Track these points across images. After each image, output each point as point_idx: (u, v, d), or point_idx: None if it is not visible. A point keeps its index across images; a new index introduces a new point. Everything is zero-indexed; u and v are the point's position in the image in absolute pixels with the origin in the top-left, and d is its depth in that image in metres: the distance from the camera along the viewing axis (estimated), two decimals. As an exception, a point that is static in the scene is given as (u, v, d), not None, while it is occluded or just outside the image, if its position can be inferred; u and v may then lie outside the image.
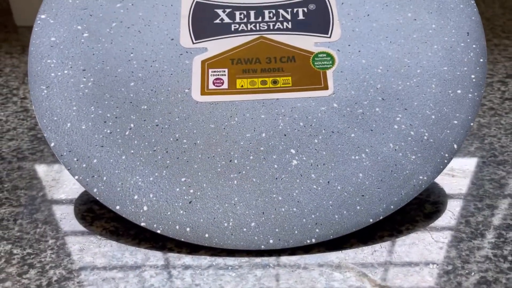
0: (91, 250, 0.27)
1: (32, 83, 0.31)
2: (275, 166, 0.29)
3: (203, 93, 0.32)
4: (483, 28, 0.46)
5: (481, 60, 0.31)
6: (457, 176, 0.32)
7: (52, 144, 0.29)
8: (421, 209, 0.30)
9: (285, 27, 0.34)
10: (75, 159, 0.29)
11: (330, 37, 0.33)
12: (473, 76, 0.31)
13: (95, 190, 0.28)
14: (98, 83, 0.31)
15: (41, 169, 0.33)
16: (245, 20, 0.34)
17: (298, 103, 0.31)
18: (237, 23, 0.34)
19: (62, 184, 0.32)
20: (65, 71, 0.32)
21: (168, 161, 0.29)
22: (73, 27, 0.33)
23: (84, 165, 0.29)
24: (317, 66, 0.32)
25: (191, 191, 0.28)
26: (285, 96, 0.31)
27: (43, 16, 0.33)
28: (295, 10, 0.35)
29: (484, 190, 0.31)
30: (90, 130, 0.30)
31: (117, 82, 0.31)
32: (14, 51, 0.48)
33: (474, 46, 0.32)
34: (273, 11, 0.35)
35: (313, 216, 0.28)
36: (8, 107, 0.40)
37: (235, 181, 0.28)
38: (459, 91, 0.30)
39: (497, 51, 0.46)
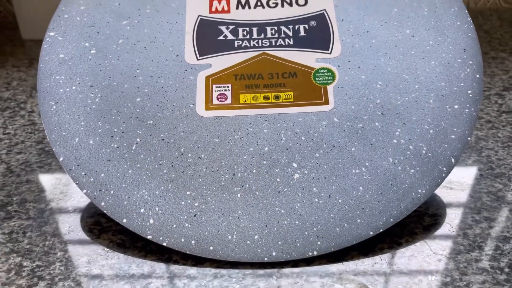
0: (98, 262, 0.28)
1: (41, 99, 0.32)
2: (278, 179, 0.30)
3: (207, 108, 0.32)
4: (481, 41, 0.47)
5: (478, 76, 0.32)
6: (455, 189, 0.33)
7: (61, 159, 0.30)
8: (420, 221, 0.30)
9: (286, 43, 0.35)
10: (83, 173, 0.30)
11: (330, 53, 0.34)
12: (469, 91, 0.32)
13: (102, 203, 0.29)
14: (105, 98, 0.32)
15: (49, 182, 0.34)
16: (248, 36, 0.35)
17: (299, 118, 0.32)
18: (240, 39, 0.35)
19: (69, 197, 0.33)
20: (73, 87, 0.32)
21: (173, 175, 0.30)
22: (81, 44, 0.34)
23: (92, 179, 0.29)
24: (318, 82, 0.33)
25: (196, 204, 0.29)
26: (287, 111, 0.32)
27: (52, 34, 0.34)
28: (296, 27, 0.36)
29: (482, 202, 0.31)
30: (98, 144, 0.31)
31: (123, 98, 0.32)
32: (21, 65, 0.49)
33: (470, 62, 0.33)
34: (275, 27, 0.36)
35: (314, 229, 0.28)
36: (16, 120, 0.41)
37: (239, 195, 0.29)
38: (456, 106, 0.31)
39: (494, 64, 0.47)
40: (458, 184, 0.33)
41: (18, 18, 0.54)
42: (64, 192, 0.33)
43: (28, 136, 0.38)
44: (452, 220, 0.30)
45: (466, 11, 0.35)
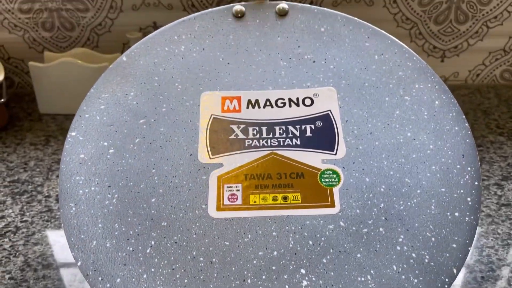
0: None
1: (62, 201, 0.33)
2: (286, 286, 0.31)
3: (218, 209, 0.34)
4: (479, 122, 0.49)
5: (476, 183, 0.34)
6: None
7: (79, 264, 0.31)
8: (425, 326, 0.31)
9: (294, 143, 0.37)
10: (100, 279, 0.31)
11: (336, 154, 0.36)
12: (469, 199, 0.33)
13: (117, 308, 0.30)
14: (122, 199, 0.34)
15: (66, 278, 0.35)
16: (257, 136, 0.37)
17: (307, 221, 0.33)
18: (250, 138, 0.37)
19: (83, 293, 0.34)
20: (92, 188, 0.34)
21: (186, 280, 0.31)
22: (100, 143, 0.36)
23: (108, 285, 0.31)
24: (324, 183, 0.35)
25: (207, 310, 0.30)
26: (295, 213, 0.34)
27: (73, 134, 0.36)
28: (303, 127, 0.38)
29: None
30: (114, 248, 0.32)
31: (139, 198, 0.34)
32: (38, 142, 0.52)
33: (469, 168, 0.34)
34: (283, 127, 0.38)
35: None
36: (33, 206, 0.42)
37: (249, 300, 0.30)
38: (456, 214, 0.33)
39: (492, 149, 0.49)
40: None
41: (36, 92, 0.57)
42: None
43: (45, 225, 0.40)
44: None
45: (464, 116, 0.37)
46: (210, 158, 0.36)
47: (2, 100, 0.52)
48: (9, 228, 0.39)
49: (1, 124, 0.54)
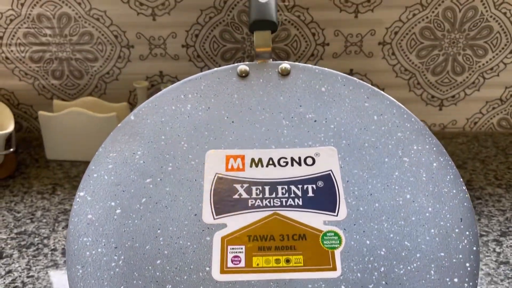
0: None
1: (69, 263, 0.34)
2: None
3: (222, 271, 0.35)
4: (477, 173, 0.50)
5: (474, 248, 0.34)
6: None
7: (85, 329, 0.32)
8: None
9: (296, 203, 0.38)
10: None
11: (337, 215, 0.37)
12: (467, 264, 0.34)
13: None
14: (128, 261, 0.35)
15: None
16: (260, 195, 0.38)
17: (309, 284, 0.34)
18: (254, 198, 0.38)
19: None
20: (99, 249, 0.35)
21: None
22: (107, 203, 0.37)
23: None
24: (326, 246, 0.36)
25: None
26: (297, 276, 0.34)
27: (82, 194, 0.38)
28: (305, 187, 0.39)
29: None
30: (120, 312, 0.32)
31: (145, 260, 0.35)
32: (45, 191, 0.53)
33: (467, 233, 0.35)
34: (286, 187, 0.39)
35: None
36: (40, 260, 0.43)
37: None
38: (456, 280, 0.33)
39: (491, 202, 0.50)
40: None
41: (44, 140, 0.58)
42: None
43: (51, 281, 0.41)
44: None
45: (461, 179, 0.38)
46: (214, 219, 0.37)
47: (12, 149, 0.53)
48: (16, 284, 0.40)
49: (10, 173, 0.55)
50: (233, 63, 0.61)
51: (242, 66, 0.44)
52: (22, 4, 0.58)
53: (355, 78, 0.43)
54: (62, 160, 0.59)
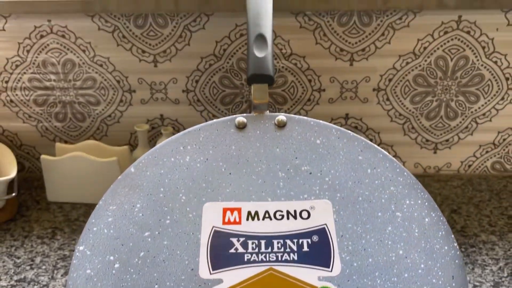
0: None
1: (67, 320, 0.35)
2: None
3: (218, 329, 0.35)
4: (472, 219, 0.50)
5: (466, 307, 0.35)
6: None
7: None
8: None
9: (291, 258, 0.38)
10: None
11: (331, 271, 0.38)
12: (459, 324, 0.34)
13: None
14: (125, 317, 0.35)
15: None
16: (256, 250, 0.39)
17: None
18: (250, 253, 0.39)
19: None
20: (97, 305, 0.36)
21: None
22: (106, 258, 0.38)
23: None
24: (320, 302, 0.36)
25: None
26: (292, 334, 0.35)
27: (81, 248, 0.38)
28: (300, 241, 0.39)
29: None
30: None
31: (142, 317, 0.35)
32: (45, 235, 0.53)
33: (459, 291, 0.36)
34: (281, 241, 0.39)
35: None
36: (38, 310, 0.43)
37: None
38: None
39: (485, 250, 0.50)
40: None
41: (45, 182, 0.59)
42: None
43: (48, 333, 0.41)
44: None
45: (453, 235, 0.39)
46: (211, 274, 0.38)
47: (14, 194, 0.54)
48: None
49: (11, 216, 0.56)
50: (232, 107, 0.63)
51: (240, 118, 0.46)
52: (28, 51, 0.60)
53: (349, 131, 0.45)
54: (62, 202, 0.60)
